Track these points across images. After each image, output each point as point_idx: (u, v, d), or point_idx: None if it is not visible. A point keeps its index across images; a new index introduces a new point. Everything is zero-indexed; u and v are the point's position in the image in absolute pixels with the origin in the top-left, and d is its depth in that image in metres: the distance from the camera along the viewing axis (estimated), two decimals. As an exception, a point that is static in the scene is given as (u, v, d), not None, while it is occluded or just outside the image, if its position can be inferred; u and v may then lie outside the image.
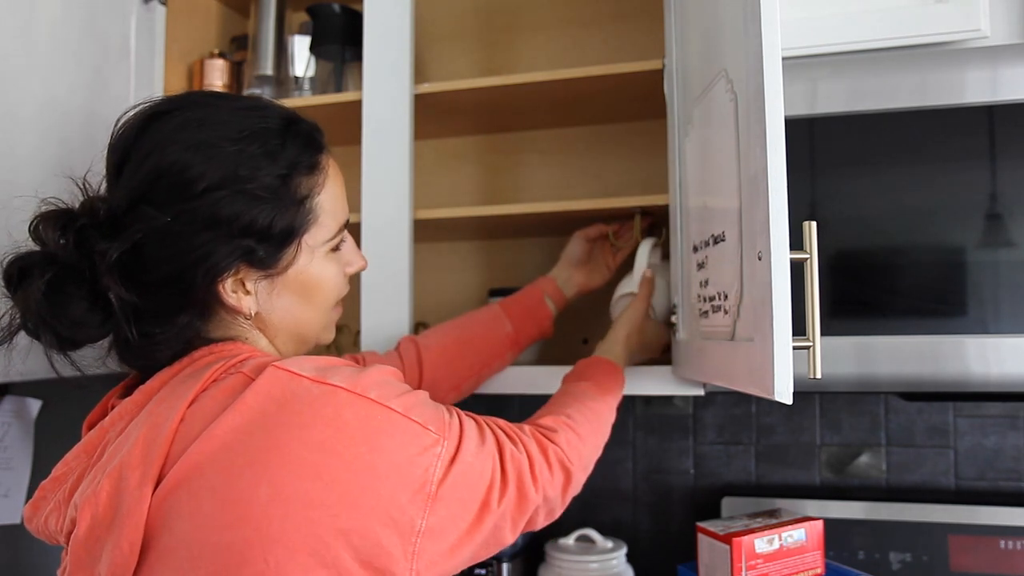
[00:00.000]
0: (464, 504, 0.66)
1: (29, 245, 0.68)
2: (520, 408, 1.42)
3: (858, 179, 0.92)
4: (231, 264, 0.68)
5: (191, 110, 0.70)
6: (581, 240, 1.18)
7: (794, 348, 0.65)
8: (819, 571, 1.02)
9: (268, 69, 1.33)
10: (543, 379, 1.10)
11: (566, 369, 1.01)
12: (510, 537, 0.72)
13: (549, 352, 1.29)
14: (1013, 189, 0.88)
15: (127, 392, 0.73)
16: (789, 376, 0.64)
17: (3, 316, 0.68)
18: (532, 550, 1.30)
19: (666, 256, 1.11)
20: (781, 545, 1.00)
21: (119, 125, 0.71)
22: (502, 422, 0.76)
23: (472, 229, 1.34)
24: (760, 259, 0.67)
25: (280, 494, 0.58)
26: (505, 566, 1.22)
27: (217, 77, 1.33)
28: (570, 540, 1.24)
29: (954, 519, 1.18)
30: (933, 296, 0.90)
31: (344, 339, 1.31)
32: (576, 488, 0.82)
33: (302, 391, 0.62)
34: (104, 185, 0.72)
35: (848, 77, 0.93)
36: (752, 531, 0.99)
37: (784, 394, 0.64)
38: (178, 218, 0.66)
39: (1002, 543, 1.15)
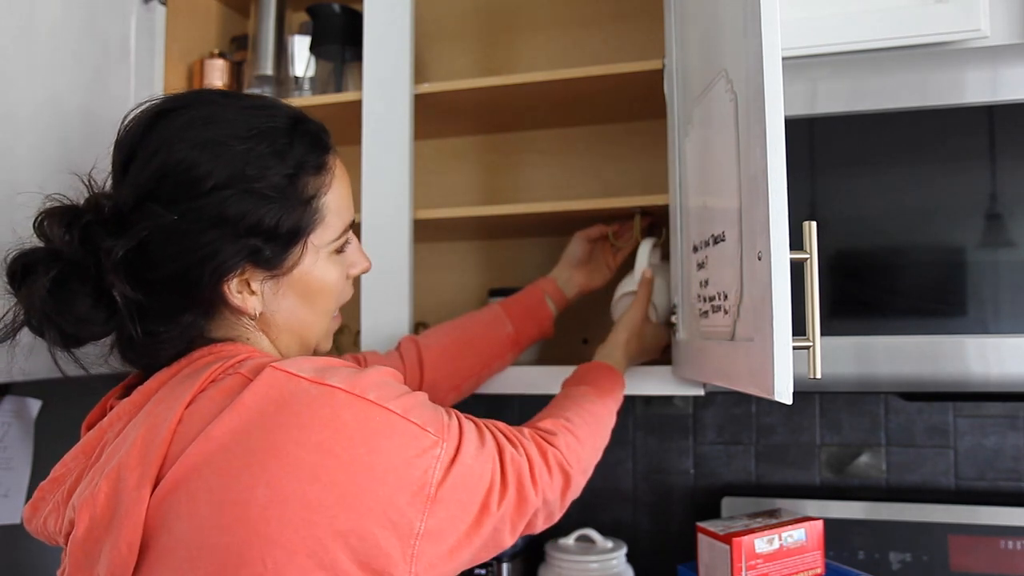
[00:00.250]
0: (463, 506, 0.66)
1: (33, 241, 0.68)
2: (520, 408, 1.42)
3: (858, 179, 0.92)
4: (237, 263, 0.68)
5: (199, 108, 0.70)
6: (582, 240, 1.18)
7: (794, 348, 0.65)
8: (819, 571, 1.02)
9: (268, 69, 1.33)
10: (543, 379, 1.10)
11: (566, 369, 1.01)
12: (509, 540, 0.72)
13: (549, 352, 1.29)
14: (1013, 189, 0.88)
15: (126, 393, 0.73)
16: (789, 376, 0.64)
17: (7, 313, 0.68)
18: (532, 550, 1.30)
19: (666, 256, 1.11)
20: (781, 545, 1.00)
21: (126, 122, 0.71)
22: (502, 425, 0.76)
23: (472, 229, 1.34)
24: (760, 259, 0.67)
25: (278, 495, 0.58)
26: (505, 566, 1.22)
27: (217, 77, 1.33)
28: (570, 540, 1.24)
29: (954, 519, 1.18)
30: (933, 296, 0.90)
31: (344, 339, 1.31)
32: (575, 491, 0.81)
33: (300, 392, 0.62)
34: (109, 182, 0.72)
35: (848, 77, 0.93)
36: (752, 531, 0.99)
37: (784, 394, 0.64)
38: (185, 216, 0.66)
39: (1002, 543, 1.15)
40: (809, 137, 0.93)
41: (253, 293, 0.70)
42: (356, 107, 1.19)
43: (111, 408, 0.71)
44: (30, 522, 0.70)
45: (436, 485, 0.63)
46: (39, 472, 1.15)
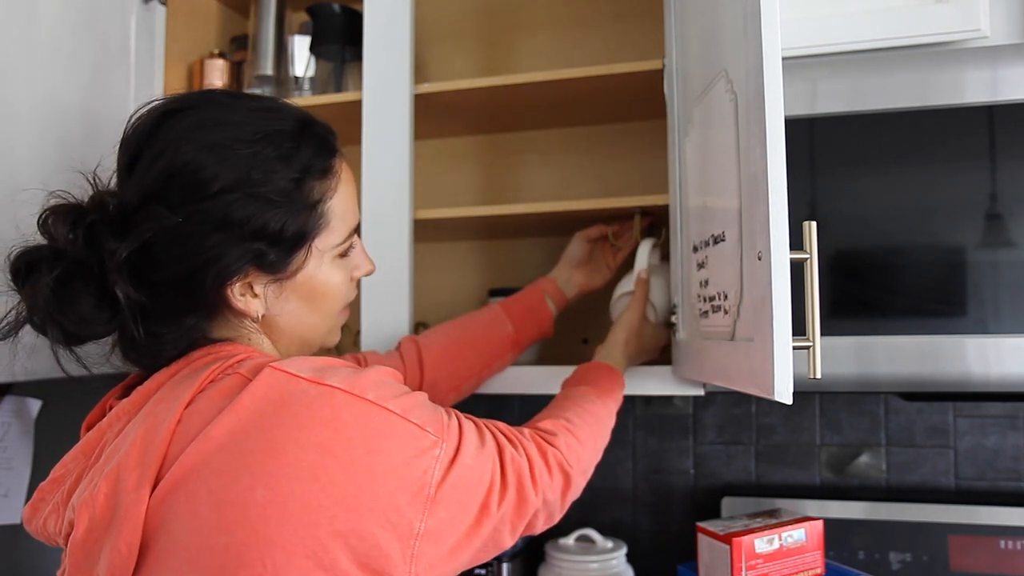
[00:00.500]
0: (463, 507, 0.66)
1: (37, 238, 0.68)
2: (520, 408, 1.42)
3: (858, 179, 0.92)
4: (241, 267, 0.67)
5: (206, 109, 0.70)
6: (582, 241, 1.18)
7: (794, 348, 0.65)
8: (819, 571, 1.02)
9: (268, 69, 1.33)
10: (543, 379, 1.10)
11: (566, 370, 1.01)
12: (509, 541, 0.72)
13: (549, 352, 1.29)
14: (1013, 189, 0.88)
15: (126, 393, 0.73)
16: (789, 376, 0.64)
17: (10, 311, 0.68)
18: (532, 550, 1.30)
19: (666, 256, 1.11)
20: (781, 545, 1.00)
21: (132, 121, 0.71)
22: (502, 425, 0.76)
23: (472, 229, 1.34)
24: (760, 259, 0.67)
25: (277, 496, 0.58)
26: (505, 566, 1.22)
27: (217, 77, 1.33)
28: (570, 540, 1.24)
29: (954, 519, 1.18)
30: (933, 296, 0.90)
31: (344, 339, 1.31)
32: (576, 492, 0.81)
33: (299, 392, 0.61)
34: (114, 180, 0.71)
35: (848, 77, 0.93)
36: (752, 531, 0.99)
37: (784, 394, 0.64)
38: (190, 219, 0.66)
39: (1002, 543, 1.15)
40: (809, 137, 0.93)
41: (256, 296, 0.70)
42: (356, 107, 1.19)
43: (111, 408, 0.71)
44: (30, 523, 0.70)
45: (436, 485, 0.63)
46: (39, 472, 1.15)
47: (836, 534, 1.20)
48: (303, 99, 1.27)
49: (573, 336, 1.31)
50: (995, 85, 0.88)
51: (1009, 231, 0.88)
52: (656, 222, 1.18)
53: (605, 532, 1.30)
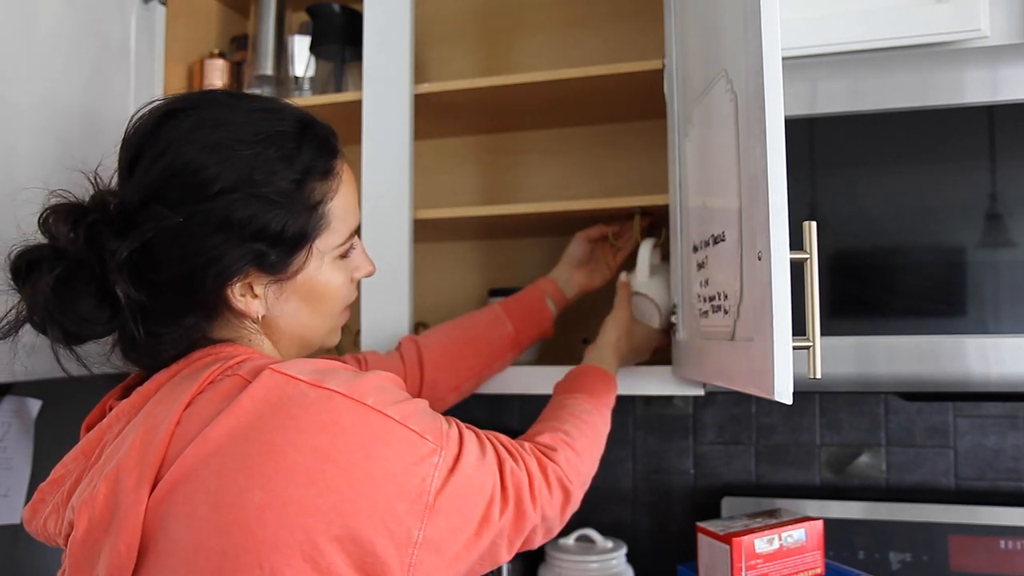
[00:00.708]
0: (463, 517, 0.65)
1: (37, 237, 0.68)
2: (520, 408, 1.42)
3: (858, 179, 0.92)
4: (241, 268, 0.67)
5: (207, 109, 0.70)
6: (582, 241, 1.18)
7: (794, 348, 0.65)
8: (819, 571, 1.02)
9: (268, 69, 1.33)
10: (543, 379, 1.10)
11: (566, 370, 1.01)
12: (506, 555, 0.71)
13: (549, 352, 1.29)
14: (1013, 189, 0.88)
15: (126, 394, 0.73)
16: (789, 376, 0.64)
17: (10, 310, 0.67)
18: (532, 550, 1.30)
19: (666, 256, 1.11)
20: (781, 545, 1.00)
21: (133, 121, 0.71)
22: (503, 438, 0.75)
23: (472, 229, 1.34)
24: (760, 259, 0.67)
25: (275, 499, 0.58)
26: (505, 566, 1.22)
27: (217, 77, 1.33)
28: (570, 540, 1.24)
29: (954, 519, 1.18)
30: (933, 296, 0.90)
31: (344, 339, 1.30)
32: (575, 506, 0.81)
33: (298, 395, 0.61)
34: (115, 180, 0.71)
35: (848, 77, 0.93)
36: (752, 531, 0.99)
37: (784, 394, 0.64)
38: (190, 219, 0.66)
39: (1002, 543, 1.15)
40: (809, 137, 0.93)
41: (256, 297, 0.70)
42: (356, 107, 1.19)
43: (111, 409, 0.71)
44: (30, 523, 0.69)
45: (435, 493, 0.63)
46: (39, 472, 1.15)
47: (836, 534, 1.20)
48: (303, 99, 1.27)
49: (573, 336, 1.31)
50: (995, 85, 0.88)
51: (1009, 231, 0.88)
52: (656, 222, 1.18)
53: (605, 532, 1.30)
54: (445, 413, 1.06)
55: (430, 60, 1.44)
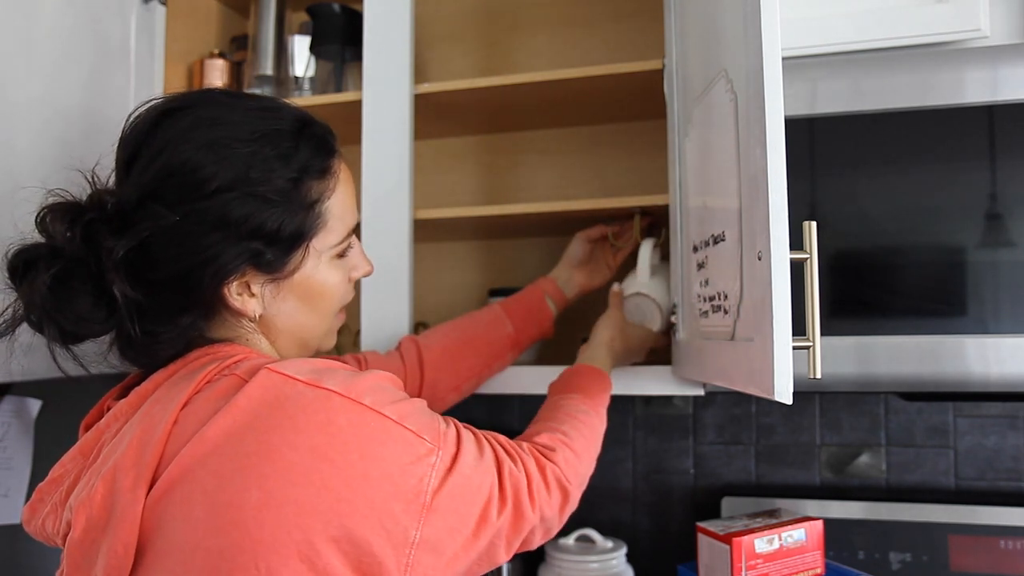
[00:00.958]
0: (461, 517, 0.65)
1: (35, 236, 0.68)
2: (520, 408, 1.42)
3: (858, 179, 0.92)
4: (238, 266, 0.67)
5: (204, 108, 0.70)
6: (583, 241, 1.18)
7: (794, 348, 0.65)
8: (819, 571, 1.02)
9: (268, 69, 1.33)
10: (543, 379, 1.09)
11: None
12: (504, 556, 0.71)
13: (549, 352, 1.29)
14: (1013, 189, 0.88)
15: (124, 393, 0.73)
16: (789, 376, 0.64)
17: (6, 308, 0.68)
18: (531, 551, 1.30)
19: (666, 256, 1.11)
20: (781, 545, 1.00)
21: (131, 120, 0.71)
22: (502, 438, 0.75)
23: (472, 229, 1.34)
24: (760, 259, 0.67)
25: (271, 499, 0.58)
26: (505, 566, 1.22)
27: (217, 77, 1.33)
28: (570, 540, 1.24)
29: (954, 519, 1.18)
30: (933, 296, 0.90)
31: (344, 339, 1.31)
32: (573, 506, 0.81)
33: (295, 394, 0.61)
34: (112, 179, 0.71)
35: (848, 77, 0.93)
36: (752, 531, 0.99)
37: (784, 394, 0.64)
38: (187, 218, 0.66)
39: (1002, 543, 1.15)
40: (809, 137, 0.93)
41: (253, 296, 0.70)
42: (356, 107, 1.19)
43: (109, 409, 0.71)
44: (29, 523, 0.69)
45: (432, 493, 0.63)
46: (39, 472, 1.15)
47: (836, 534, 1.20)
48: (303, 99, 1.27)
49: (573, 336, 1.31)
50: (995, 85, 0.88)
51: (1009, 231, 0.88)
52: (656, 222, 1.18)
53: (605, 532, 1.30)
54: (445, 413, 1.07)
55: (430, 60, 1.44)
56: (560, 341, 1.23)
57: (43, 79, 1.03)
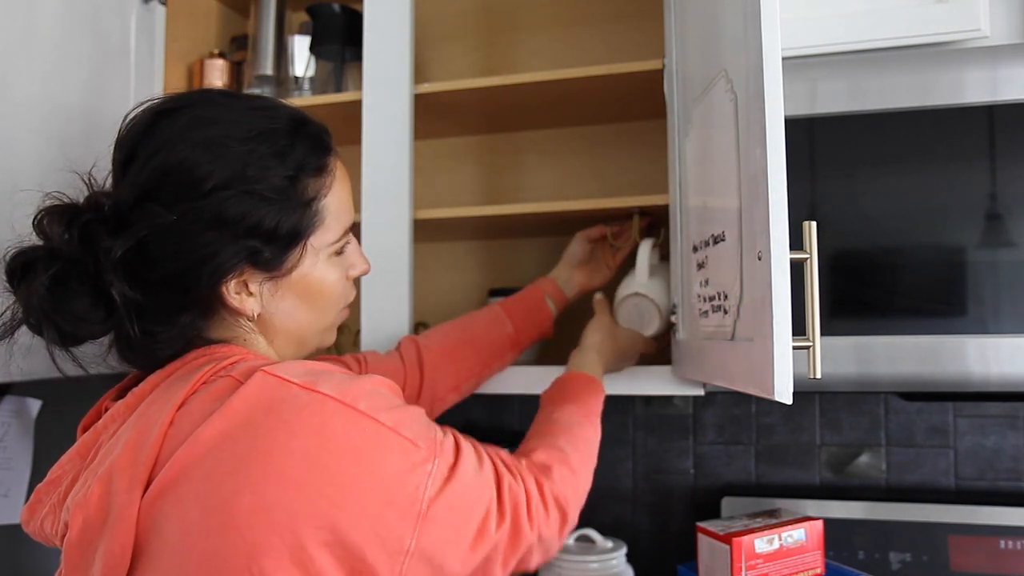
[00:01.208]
0: (458, 528, 0.64)
1: (33, 239, 0.68)
2: (520, 408, 1.42)
3: (858, 179, 0.92)
4: (236, 265, 0.67)
5: (200, 108, 0.70)
6: (583, 240, 1.18)
7: (794, 348, 0.64)
8: (819, 571, 1.02)
9: (268, 69, 1.33)
10: (543, 379, 1.09)
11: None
12: (500, 573, 0.70)
13: (549, 352, 1.29)
14: (1013, 189, 0.88)
15: (122, 395, 0.72)
16: (789, 376, 0.64)
17: (5, 311, 0.68)
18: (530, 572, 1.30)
19: (665, 256, 1.11)
20: (781, 545, 1.00)
21: (127, 121, 0.71)
22: (503, 453, 0.75)
23: (472, 229, 1.34)
24: (760, 259, 0.67)
25: (264, 503, 0.57)
26: (505, 566, 1.22)
27: (217, 77, 1.33)
28: (570, 540, 1.24)
29: (954, 519, 1.18)
30: (933, 296, 0.90)
31: (344, 339, 1.31)
32: (572, 525, 0.79)
33: (290, 398, 0.61)
34: (109, 181, 0.71)
35: (848, 77, 0.93)
36: (752, 531, 0.99)
37: (784, 394, 0.64)
38: (184, 216, 0.66)
39: (1002, 543, 1.15)
40: (809, 137, 0.93)
41: (251, 294, 0.70)
42: (356, 107, 1.19)
43: (106, 410, 0.71)
44: (28, 524, 0.69)
45: (428, 502, 0.62)
46: (39, 472, 1.15)
47: (836, 534, 1.20)
48: (303, 99, 1.27)
49: (573, 336, 1.31)
50: (995, 85, 0.88)
51: (1009, 231, 0.88)
52: (655, 222, 1.18)
53: (605, 532, 1.30)
54: (445, 413, 1.07)
55: (430, 60, 1.44)
56: (560, 341, 1.23)
57: (43, 79, 1.03)
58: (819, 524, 1.03)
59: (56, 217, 0.66)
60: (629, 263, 1.15)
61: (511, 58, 1.41)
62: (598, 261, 1.22)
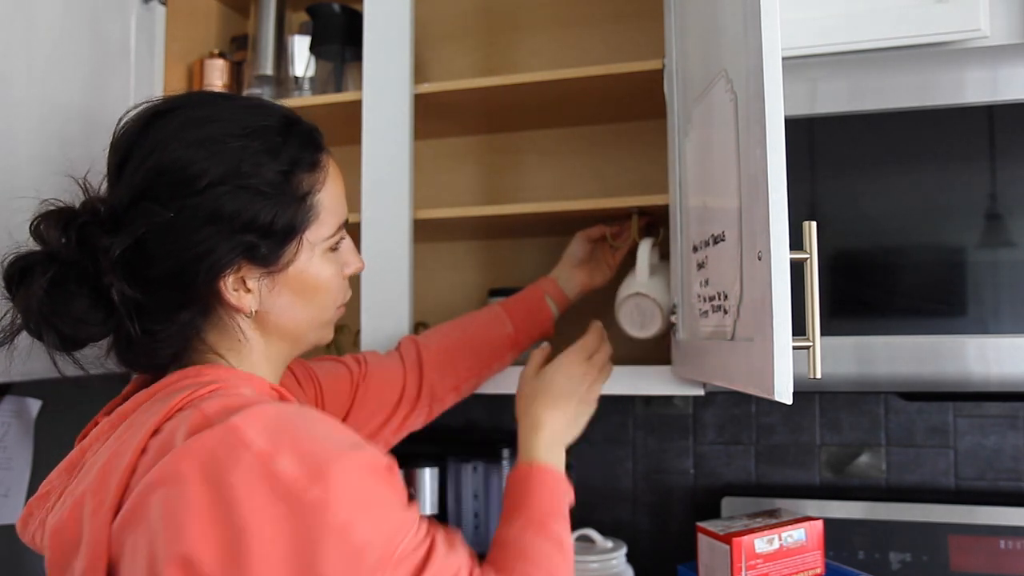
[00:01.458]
0: None
1: (30, 245, 0.68)
2: (520, 408, 1.41)
3: (858, 179, 0.92)
4: (233, 260, 0.68)
5: (193, 109, 0.70)
6: (583, 240, 1.18)
7: (794, 348, 0.65)
8: (819, 571, 1.02)
9: (268, 69, 1.33)
10: (543, 379, 1.10)
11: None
12: None
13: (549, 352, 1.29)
14: (1013, 189, 0.88)
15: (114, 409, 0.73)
16: (789, 376, 0.64)
17: (4, 316, 0.68)
18: None
19: (665, 255, 1.11)
20: (781, 545, 1.00)
21: (121, 124, 0.71)
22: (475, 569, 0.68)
23: (472, 229, 1.34)
24: (760, 259, 0.67)
25: (193, 563, 0.56)
26: (505, 566, 1.22)
27: (217, 77, 1.33)
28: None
29: (954, 519, 1.18)
30: (933, 296, 0.90)
31: (344, 339, 1.31)
32: None
33: (244, 465, 0.58)
34: (105, 185, 0.72)
35: (848, 77, 0.93)
36: (752, 531, 0.99)
37: (784, 394, 0.64)
38: (180, 214, 0.66)
39: (1002, 543, 1.15)
40: (809, 137, 0.93)
41: (249, 291, 0.70)
42: (356, 107, 1.19)
43: (96, 425, 0.72)
44: (22, 535, 0.70)
45: None
46: (39, 472, 1.15)
47: (836, 534, 1.20)
48: (303, 99, 1.27)
49: (574, 336, 1.31)
50: (995, 85, 0.88)
51: (1009, 231, 0.88)
52: (654, 221, 1.18)
53: (605, 532, 1.30)
54: (445, 413, 1.06)
55: (430, 60, 1.44)
56: (560, 341, 1.23)
57: (42, 79, 1.03)
58: (819, 524, 1.03)
59: (52, 221, 0.67)
60: (629, 263, 1.15)
61: (511, 58, 1.41)
62: (599, 260, 1.22)
